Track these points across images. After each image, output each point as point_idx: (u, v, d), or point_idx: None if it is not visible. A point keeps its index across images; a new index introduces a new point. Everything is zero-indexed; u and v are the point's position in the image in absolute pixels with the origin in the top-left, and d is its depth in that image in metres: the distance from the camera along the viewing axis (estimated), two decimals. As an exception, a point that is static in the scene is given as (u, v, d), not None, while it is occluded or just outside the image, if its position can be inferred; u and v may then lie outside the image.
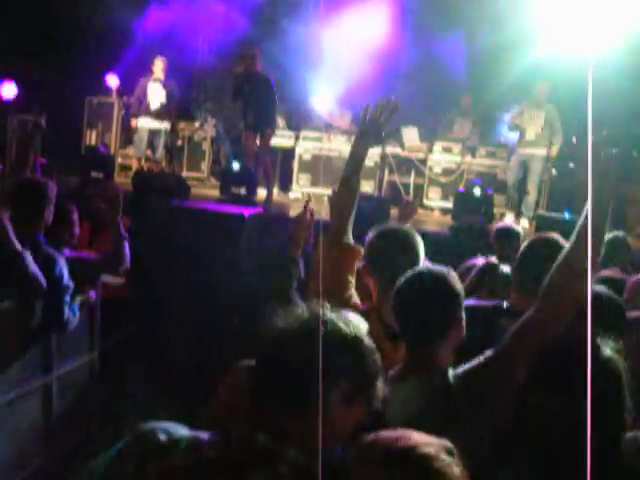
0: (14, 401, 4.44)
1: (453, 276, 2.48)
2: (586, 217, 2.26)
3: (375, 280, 2.98)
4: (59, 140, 10.21)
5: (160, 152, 11.15)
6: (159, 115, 10.94)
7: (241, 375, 2.11)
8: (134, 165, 11.08)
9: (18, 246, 4.27)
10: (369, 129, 3.14)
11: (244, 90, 9.57)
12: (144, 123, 10.95)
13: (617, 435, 1.83)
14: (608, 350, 1.88)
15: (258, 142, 9.69)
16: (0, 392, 4.28)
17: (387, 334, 2.68)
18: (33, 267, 4.28)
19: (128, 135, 11.79)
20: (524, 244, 3.32)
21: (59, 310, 4.59)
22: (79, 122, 11.62)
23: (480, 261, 4.35)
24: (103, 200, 5.59)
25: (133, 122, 11.09)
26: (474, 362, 2.35)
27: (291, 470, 1.43)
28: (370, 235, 3.05)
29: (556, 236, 3.12)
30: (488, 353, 2.34)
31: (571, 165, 10.32)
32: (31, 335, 4.57)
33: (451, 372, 2.35)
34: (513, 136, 10.27)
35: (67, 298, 4.63)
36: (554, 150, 9.89)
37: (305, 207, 3.31)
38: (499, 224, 6.32)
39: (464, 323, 2.45)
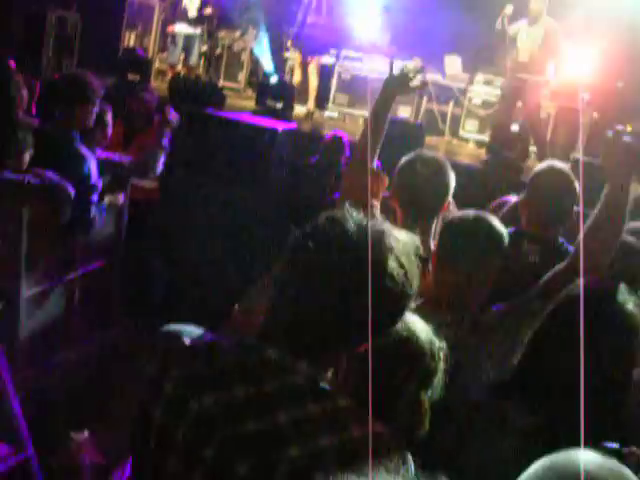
0: (39, 296, 4.52)
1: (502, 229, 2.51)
2: (606, 194, 2.32)
3: (401, 207, 2.95)
4: (97, 40, 10.13)
5: (194, 58, 11.02)
6: (194, 21, 10.77)
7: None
8: (169, 71, 10.99)
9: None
10: (396, 79, 3.07)
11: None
12: (179, 28, 10.81)
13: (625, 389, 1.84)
14: (630, 305, 1.86)
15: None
16: (29, 285, 4.35)
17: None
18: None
19: (166, 40, 11.68)
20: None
21: (85, 209, 4.60)
22: (118, 23, 11.46)
23: (513, 199, 4.29)
24: (140, 103, 5.57)
25: (169, 28, 10.98)
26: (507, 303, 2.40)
27: (306, 381, 1.45)
28: (401, 163, 2.99)
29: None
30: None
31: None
32: (59, 234, 4.60)
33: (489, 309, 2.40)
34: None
35: (95, 198, 4.64)
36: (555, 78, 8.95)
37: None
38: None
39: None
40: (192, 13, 10.73)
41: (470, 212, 2.57)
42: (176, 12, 10.81)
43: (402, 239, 1.52)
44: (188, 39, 10.86)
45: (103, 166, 4.75)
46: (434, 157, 3.03)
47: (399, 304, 1.51)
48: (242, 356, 1.49)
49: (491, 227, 2.48)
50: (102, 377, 4.64)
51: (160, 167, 5.13)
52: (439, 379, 1.81)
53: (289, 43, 10.59)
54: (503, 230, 2.50)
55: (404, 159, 2.99)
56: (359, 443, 1.38)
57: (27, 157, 4.16)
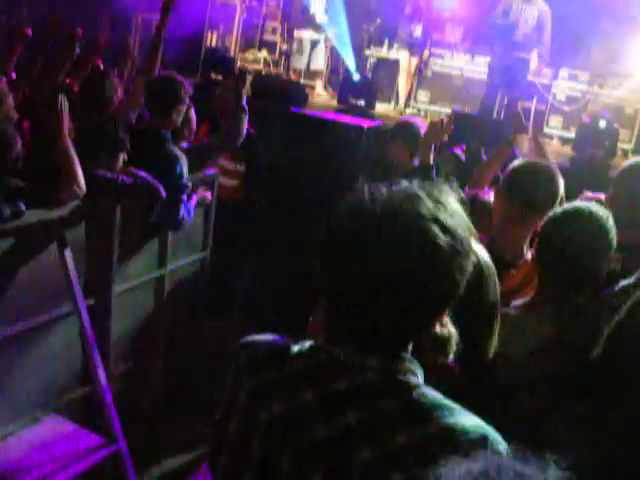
0: (132, 290, 4.63)
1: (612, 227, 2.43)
2: None
3: (506, 208, 2.90)
4: (180, 40, 10.29)
5: (320, 62, 11.15)
6: (317, 25, 10.91)
7: None
8: (293, 76, 11.15)
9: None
10: None
11: None
12: (305, 34, 11.00)
13: None
14: None
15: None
16: (120, 281, 4.46)
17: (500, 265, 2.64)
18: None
19: (247, 39, 11.79)
20: None
21: (175, 209, 4.69)
22: (201, 23, 11.62)
23: (601, 196, 4.17)
24: (223, 102, 5.62)
25: (296, 33, 11.15)
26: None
27: (381, 376, 1.37)
28: (512, 167, 2.96)
29: None
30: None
31: None
32: (149, 231, 4.71)
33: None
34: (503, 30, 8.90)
35: (184, 197, 4.72)
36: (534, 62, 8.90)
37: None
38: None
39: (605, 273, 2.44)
40: (320, 17, 10.88)
41: (572, 203, 2.54)
42: (300, 17, 11.01)
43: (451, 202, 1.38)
44: (312, 44, 11.02)
45: (190, 153, 4.81)
46: (547, 165, 3.02)
47: (452, 268, 1.34)
48: (310, 360, 1.44)
49: (592, 212, 2.43)
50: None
51: (245, 130, 5.12)
52: None
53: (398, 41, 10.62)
54: (607, 215, 2.44)
55: (515, 165, 2.96)
56: (436, 440, 1.30)
57: (123, 157, 4.25)
